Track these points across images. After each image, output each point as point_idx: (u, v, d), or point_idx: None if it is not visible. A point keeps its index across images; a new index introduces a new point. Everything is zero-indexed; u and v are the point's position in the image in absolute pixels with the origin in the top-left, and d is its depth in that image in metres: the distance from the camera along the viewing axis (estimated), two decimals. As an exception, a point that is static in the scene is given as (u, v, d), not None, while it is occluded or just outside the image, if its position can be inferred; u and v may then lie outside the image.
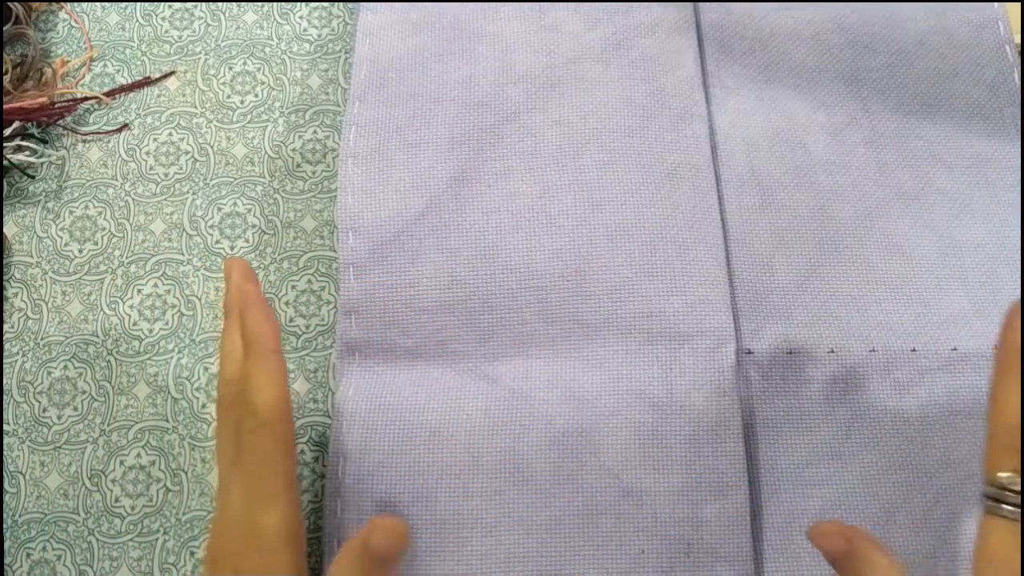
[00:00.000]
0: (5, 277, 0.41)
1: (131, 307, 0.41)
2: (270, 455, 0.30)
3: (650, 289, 0.36)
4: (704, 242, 0.37)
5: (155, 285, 0.41)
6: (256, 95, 0.44)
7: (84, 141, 0.44)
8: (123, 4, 0.46)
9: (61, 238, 0.42)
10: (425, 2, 0.43)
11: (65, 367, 0.40)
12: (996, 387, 0.29)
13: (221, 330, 0.37)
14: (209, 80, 0.45)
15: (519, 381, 0.36)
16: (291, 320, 0.40)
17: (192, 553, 0.37)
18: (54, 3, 0.46)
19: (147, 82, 0.45)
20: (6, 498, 0.38)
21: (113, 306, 0.41)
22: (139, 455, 0.39)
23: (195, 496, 0.38)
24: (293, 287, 0.41)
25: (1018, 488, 0.27)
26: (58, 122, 0.44)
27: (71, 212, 0.42)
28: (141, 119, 0.44)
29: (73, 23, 0.46)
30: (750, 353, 0.37)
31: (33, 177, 0.43)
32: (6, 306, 0.41)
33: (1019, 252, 0.38)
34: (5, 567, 0.37)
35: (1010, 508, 0.27)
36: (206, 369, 0.40)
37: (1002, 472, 0.27)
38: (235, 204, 0.42)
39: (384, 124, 0.40)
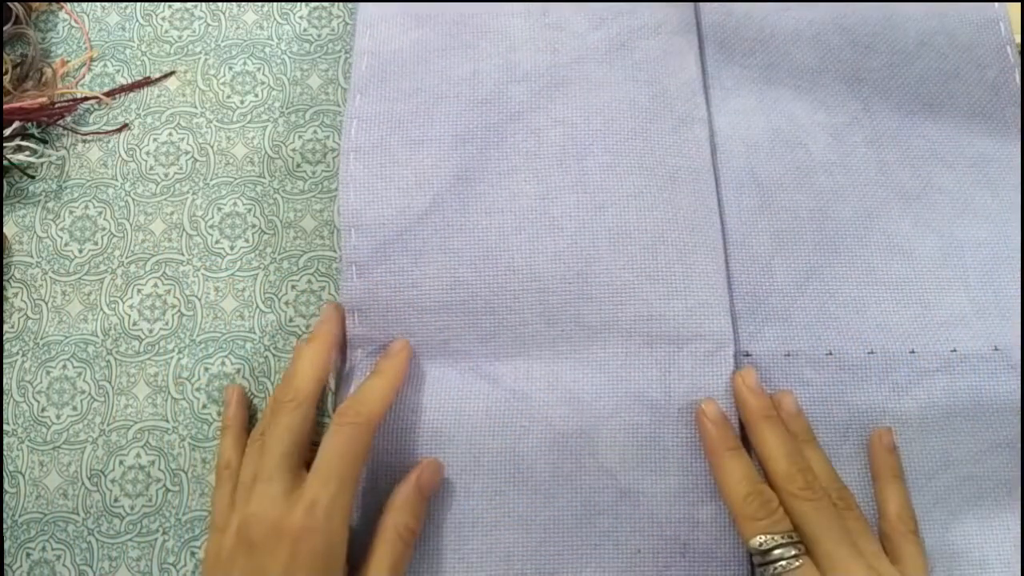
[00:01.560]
0: (5, 277, 0.42)
1: (131, 307, 0.41)
2: None
3: (651, 293, 0.36)
4: (704, 246, 0.37)
5: (155, 285, 0.41)
6: (256, 95, 0.44)
7: (84, 141, 0.44)
8: (123, 4, 0.46)
9: (61, 238, 0.42)
10: (426, 1, 0.43)
11: (65, 367, 0.40)
12: (715, 474, 0.33)
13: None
14: (209, 80, 0.45)
15: (520, 382, 0.36)
16: (291, 320, 0.40)
17: (192, 553, 0.37)
18: (54, 3, 0.46)
19: (147, 82, 0.45)
20: (6, 498, 0.38)
21: (113, 306, 0.41)
22: (139, 455, 0.39)
23: (195, 496, 0.38)
24: (293, 287, 0.41)
25: (773, 543, 0.31)
26: (58, 122, 0.44)
27: (71, 212, 0.42)
28: (141, 119, 0.44)
29: (73, 23, 0.46)
30: (748, 356, 0.37)
31: (33, 177, 0.43)
32: (6, 306, 0.41)
33: (1020, 252, 0.38)
34: (5, 567, 0.37)
35: (781, 564, 0.30)
36: (206, 369, 0.40)
37: (754, 540, 0.31)
38: (235, 204, 0.42)
39: (386, 118, 0.40)
